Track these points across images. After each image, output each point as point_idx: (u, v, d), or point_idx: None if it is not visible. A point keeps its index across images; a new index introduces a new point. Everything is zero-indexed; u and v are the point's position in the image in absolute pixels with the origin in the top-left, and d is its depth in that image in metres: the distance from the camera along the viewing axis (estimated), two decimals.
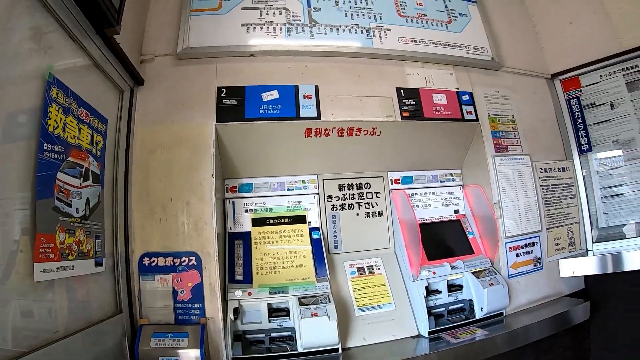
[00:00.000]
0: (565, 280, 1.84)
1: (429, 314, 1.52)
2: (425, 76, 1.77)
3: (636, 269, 1.66)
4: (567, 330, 1.71)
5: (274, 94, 1.52)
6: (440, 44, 1.78)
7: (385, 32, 1.70)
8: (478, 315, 1.57)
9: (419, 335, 1.52)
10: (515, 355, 1.54)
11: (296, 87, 1.56)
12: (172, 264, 1.32)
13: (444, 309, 1.60)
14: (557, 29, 2.19)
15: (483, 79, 1.88)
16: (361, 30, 1.67)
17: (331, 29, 1.65)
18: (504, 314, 1.64)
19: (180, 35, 1.51)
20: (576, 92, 2.19)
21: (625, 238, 1.99)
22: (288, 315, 1.39)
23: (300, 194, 1.68)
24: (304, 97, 1.55)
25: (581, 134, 2.13)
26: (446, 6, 1.89)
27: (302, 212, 1.66)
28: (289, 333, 1.38)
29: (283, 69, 1.58)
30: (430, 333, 1.49)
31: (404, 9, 1.79)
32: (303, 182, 1.70)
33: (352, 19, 1.69)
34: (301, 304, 1.37)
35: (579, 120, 2.15)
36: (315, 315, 1.33)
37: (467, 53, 1.81)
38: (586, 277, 1.93)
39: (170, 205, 1.35)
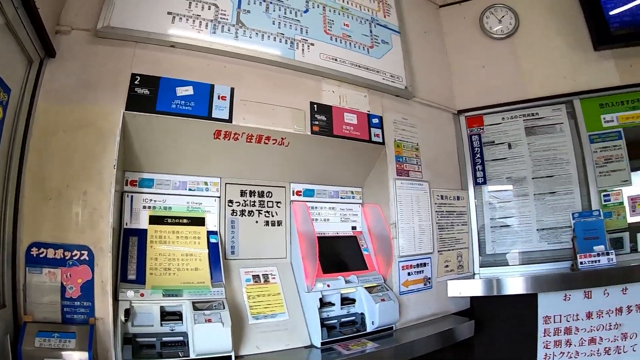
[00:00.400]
0: (453, 299, 2.61)
1: (322, 325, 2.01)
2: (340, 94, 2.40)
3: (516, 293, 2.51)
4: (453, 346, 2.41)
5: (188, 90, 1.91)
6: (359, 67, 2.44)
7: (308, 46, 2.28)
8: (369, 328, 2.13)
9: (312, 346, 2.01)
10: None
11: (212, 86, 1.98)
12: (62, 257, 1.54)
13: (336, 321, 2.12)
14: (470, 69, 3.14)
15: (394, 106, 2.62)
16: (285, 40, 2.21)
17: (257, 33, 2.14)
18: (394, 328, 2.26)
19: (103, 12, 1.80)
20: (478, 129, 3.10)
21: (508, 265, 2.90)
22: (181, 319, 1.71)
23: (202, 195, 2.11)
24: (218, 98, 1.98)
25: (478, 168, 3.01)
26: (371, 32, 2.59)
27: (202, 214, 2.09)
28: (182, 338, 1.68)
29: (202, 66, 1.99)
30: (322, 344, 1.97)
31: (331, 27, 2.41)
32: (205, 183, 2.13)
33: (279, 28, 2.21)
34: (195, 308, 1.71)
35: (478, 155, 3.03)
36: (209, 321, 1.67)
37: (383, 79, 2.52)
38: (472, 298, 2.74)
39: (66, 193, 1.62)
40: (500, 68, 3.11)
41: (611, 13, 2.96)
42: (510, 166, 3.05)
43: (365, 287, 2.22)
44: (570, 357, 2.62)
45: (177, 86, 1.90)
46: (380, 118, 2.54)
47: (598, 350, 2.61)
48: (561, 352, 2.62)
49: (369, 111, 2.50)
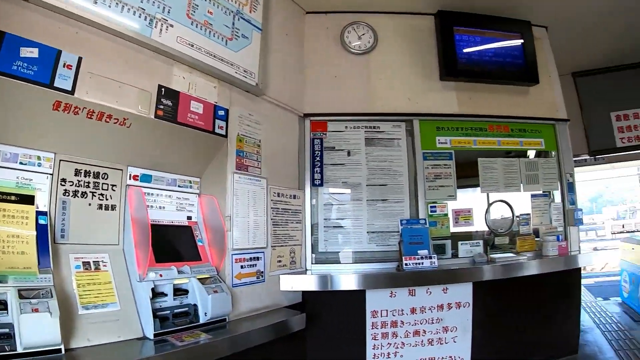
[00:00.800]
0: (285, 293, 3.41)
1: (155, 316, 2.37)
2: (190, 82, 2.88)
3: (346, 289, 3.40)
4: (286, 338, 3.08)
5: (33, 52, 2.10)
6: (214, 57, 2.97)
7: (167, 27, 2.68)
8: (202, 319, 2.61)
9: (144, 337, 2.36)
10: (240, 358, 2.55)
11: (59, 52, 2.21)
12: None
13: (169, 312, 2.52)
14: (323, 77, 4.11)
15: (242, 100, 3.27)
16: (145, 17, 2.55)
17: (117, 3, 2.42)
18: (227, 320, 2.78)
19: None
20: (322, 134, 4.02)
21: (339, 263, 3.87)
22: (6, 309, 1.84)
23: (33, 171, 2.31)
24: (64, 66, 2.22)
25: (317, 170, 3.90)
26: (233, 24, 3.16)
27: (32, 191, 2.29)
28: (7, 330, 1.80)
29: (53, 28, 2.19)
30: (155, 335, 2.34)
31: (194, 12, 2.86)
32: (38, 158, 2.34)
33: (141, 2, 2.54)
34: (21, 297, 1.86)
35: (318, 158, 3.93)
36: (36, 310, 1.82)
37: (236, 72, 3.12)
38: (304, 292, 3.58)
39: None
40: (352, 81, 4.21)
41: (462, 50, 4.39)
42: (347, 172, 4.10)
43: (198, 278, 2.70)
44: (397, 348, 3.73)
45: (22, 46, 2.06)
46: (227, 111, 3.13)
47: (422, 342, 3.79)
48: (388, 343, 3.71)
49: (216, 102, 3.05)
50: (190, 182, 3.09)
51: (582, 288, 6.93)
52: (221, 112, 3.06)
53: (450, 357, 3.82)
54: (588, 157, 6.75)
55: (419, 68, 4.40)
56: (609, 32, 5.34)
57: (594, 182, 33.55)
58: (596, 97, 6.49)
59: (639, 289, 5.90)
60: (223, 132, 3.06)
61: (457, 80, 4.43)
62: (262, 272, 3.28)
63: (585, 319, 5.79)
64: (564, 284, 4.34)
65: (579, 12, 4.84)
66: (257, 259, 3.26)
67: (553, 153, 4.73)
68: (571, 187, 4.66)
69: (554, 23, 4.97)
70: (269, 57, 3.57)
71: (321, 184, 4.03)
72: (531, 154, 4.77)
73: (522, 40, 4.66)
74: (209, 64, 2.94)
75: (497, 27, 4.62)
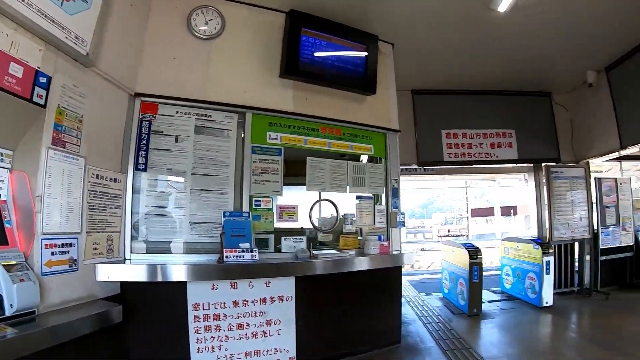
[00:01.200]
0: (101, 284, 3.61)
1: None
2: (13, 40, 2.85)
3: (166, 280, 3.70)
4: (103, 331, 3.27)
5: None
6: (46, 16, 3.01)
7: None
8: (8, 312, 2.66)
9: None
10: (52, 354, 2.73)
11: None
12: None
13: None
14: (162, 57, 4.42)
15: (69, 69, 3.37)
16: None
17: None
18: (37, 312, 2.90)
19: None
20: (151, 116, 4.31)
21: (161, 253, 4.17)
22: None
23: None
24: None
25: (141, 154, 4.17)
26: None
27: None
28: None
29: None
30: None
31: None
32: None
33: None
34: None
35: (144, 142, 4.21)
36: None
37: (66, 37, 3.23)
38: (123, 283, 3.81)
39: None
40: (191, 65, 4.58)
41: (306, 51, 5.04)
42: (174, 158, 4.43)
43: (4, 265, 2.74)
44: (221, 341, 4.16)
45: None
46: (50, 78, 3.18)
47: (246, 335, 4.27)
48: (212, 337, 4.12)
49: (38, 67, 3.08)
50: (1, 154, 3.05)
51: (407, 283, 8.77)
52: (43, 80, 3.09)
53: (276, 349, 4.37)
54: (417, 166, 8.16)
55: (261, 62, 4.96)
56: (448, 60, 6.78)
57: (427, 190, 39.27)
58: (430, 114, 8.10)
59: (457, 285, 7.32)
60: (42, 101, 3.09)
61: (296, 79, 5.10)
62: (75, 260, 3.41)
63: (408, 312, 7.00)
64: (386, 280, 5.28)
65: (424, 37, 6.04)
66: (70, 245, 3.38)
67: (382, 159, 5.71)
68: (396, 192, 5.72)
69: (401, 42, 6.06)
70: (107, 27, 3.71)
71: (145, 169, 4.26)
72: (365, 158, 5.68)
73: (366, 53, 5.54)
74: (38, 24, 2.95)
75: (345, 35, 5.40)
